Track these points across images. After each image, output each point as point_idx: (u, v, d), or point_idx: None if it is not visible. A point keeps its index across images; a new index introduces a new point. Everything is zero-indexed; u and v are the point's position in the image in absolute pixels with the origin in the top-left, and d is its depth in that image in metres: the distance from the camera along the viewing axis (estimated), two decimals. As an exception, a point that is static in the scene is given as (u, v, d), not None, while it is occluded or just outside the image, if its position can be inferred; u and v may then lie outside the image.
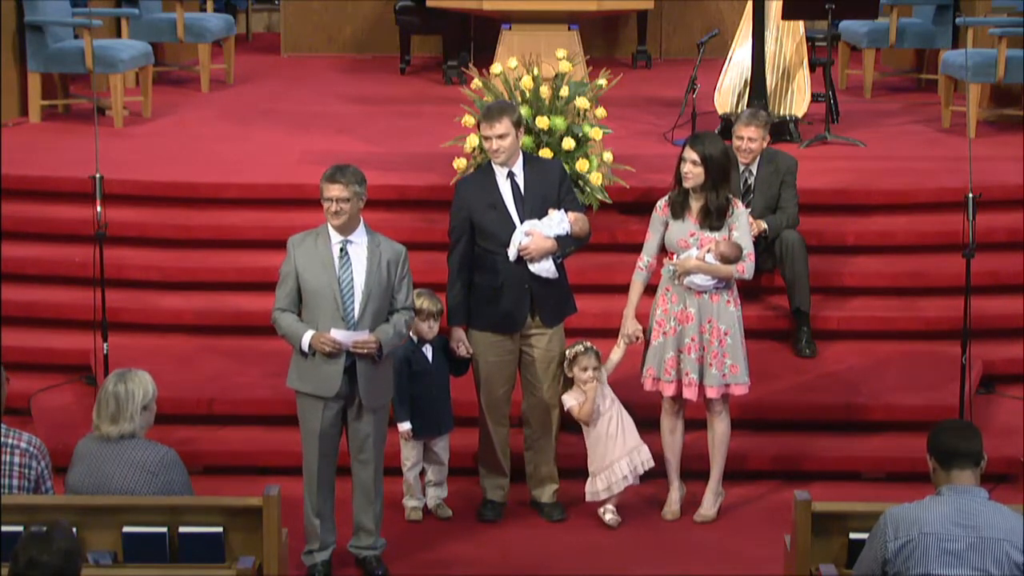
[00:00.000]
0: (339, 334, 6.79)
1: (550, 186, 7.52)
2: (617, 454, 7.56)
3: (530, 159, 7.60)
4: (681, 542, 7.51)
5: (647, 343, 7.61)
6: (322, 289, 6.83)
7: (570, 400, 7.57)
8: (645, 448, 7.63)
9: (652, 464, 7.63)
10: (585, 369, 7.51)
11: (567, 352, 7.57)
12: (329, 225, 6.90)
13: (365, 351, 6.83)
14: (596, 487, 7.60)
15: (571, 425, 7.72)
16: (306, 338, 6.83)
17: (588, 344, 7.59)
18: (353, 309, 6.85)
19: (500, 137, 7.38)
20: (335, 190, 6.83)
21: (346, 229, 6.88)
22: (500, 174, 7.49)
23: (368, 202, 6.98)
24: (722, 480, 7.74)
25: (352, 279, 6.86)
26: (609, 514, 7.64)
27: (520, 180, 7.49)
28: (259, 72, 13.91)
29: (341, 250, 6.88)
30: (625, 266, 8.46)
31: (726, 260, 7.42)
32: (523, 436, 7.76)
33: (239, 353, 8.83)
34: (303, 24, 14.79)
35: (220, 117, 11.94)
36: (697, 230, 7.48)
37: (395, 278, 6.94)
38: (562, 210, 7.47)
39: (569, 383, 7.60)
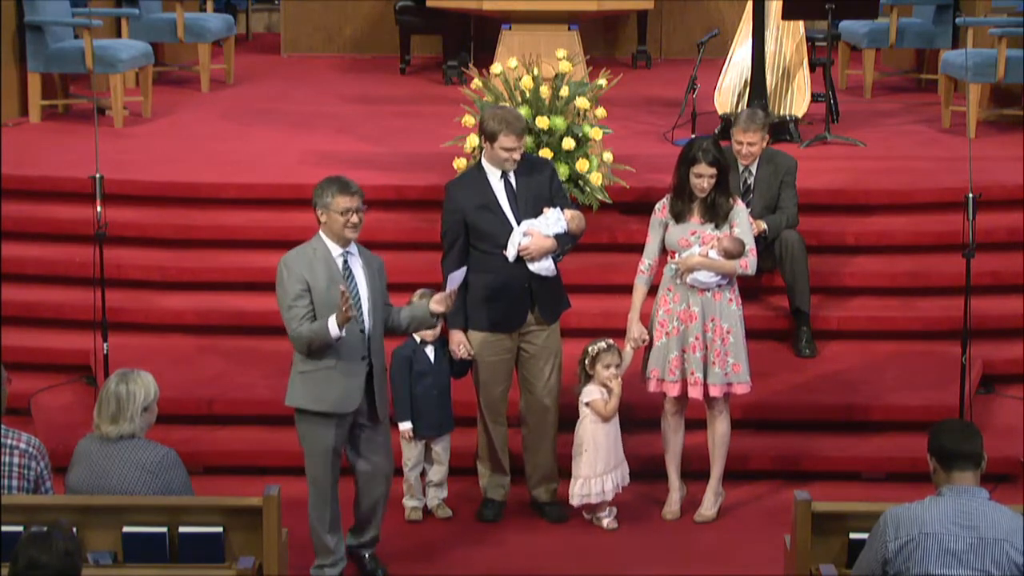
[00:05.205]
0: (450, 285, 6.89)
1: (542, 185, 7.52)
2: (612, 463, 7.53)
3: (520, 158, 7.58)
4: (681, 542, 7.51)
5: (650, 345, 7.61)
6: (335, 303, 6.62)
7: (595, 392, 7.51)
8: (627, 465, 7.63)
9: (628, 482, 7.63)
10: (608, 367, 7.49)
11: (589, 349, 7.55)
12: (325, 239, 6.75)
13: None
14: (588, 490, 7.54)
15: (570, 424, 7.72)
16: (331, 322, 6.58)
17: (610, 342, 7.56)
18: (364, 319, 6.77)
19: (518, 150, 7.40)
20: (355, 201, 6.70)
21: (351, 241, 6.80)
22: (493, 175, 7.48)
23: (368, 202, 6.95)
24: (722, 480, 7.74)
25: (358, 290, 6.78)
26: (607, 520, 7.63)
27: (513, 180, 7.49)
28: (259, 72, 13.91)
29: (344, 263, 6.78)
30: (625, 266, 8.47)
31: (730, 255, 7.43)
32: (522, 435, 7.76)
33: (239, 353, 8.83)
34: (303, 24, 14.79)
35: (220, 117, 11.94)
36: (698, 228, 7.49)
37: (384, 286, 6.93)
38: (558, 208, 7.47)
39: (588, 381, 7.57)
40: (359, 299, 6.75)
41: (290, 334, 6.76)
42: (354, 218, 6.72)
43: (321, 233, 6.78)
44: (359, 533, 7.13)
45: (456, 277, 6.92)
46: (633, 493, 7.72)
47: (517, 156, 7.42)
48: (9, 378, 6.49)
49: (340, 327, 6.60)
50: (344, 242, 6.76)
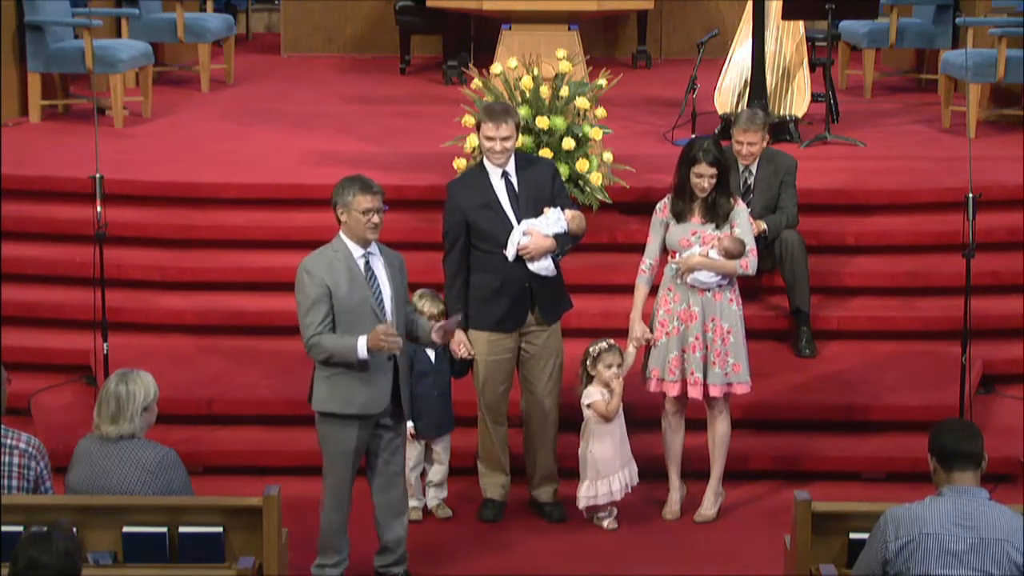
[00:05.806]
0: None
1: (543, 185, 7.51)
2: (619, 464, 7.53)
3: (520, 158, 7.57)
4: (681, 542, 7.51)
5: (650, 344, 7.62)
6: (357, 306, 6.59)
7: (596, 394, 7.49)
8: (635, 464, 7.62)
9: (637, 482, 7.63)
10: (609, 366, 7.47)
11: (590, 349, 7.53)
12: (346, 240, 6.70)
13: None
14: (595, 491, 7.55)
15: (571, 424, 7.72)
16: (361, 344, 6.53)
17: (611, 342, 7.54)
18: (388, 319, 6.66)
19: (504, 139, 7.37)
20: (376, 201, 6.67)
21: (372, 241, 6.74)
22: (494, 174, 7.48)
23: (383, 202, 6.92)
24: (722, 480, 7.74)
25: (380, 291, 6.71)
26: (607, 520, 7.63)
27: (514, 179, 7.48)
28: (259, 72, 13.90)
29: (366, 263, 6.72)
30: (625, 266, 8.47)
31: (730, 255, 7.43)
32: (522, 435, 7.76)
33: (239, 353, 8.83)
34: (303, 24, 14.78)
35: (220, 117, 11.93)
36: (699, 228, 7.49)
37: (405, 283, 6.88)
38: (558, 208, 7.47)
39: (589, 381, 7.56)
40: (382, 300, 6.69)
41: (306, 340, 6.64)
42: (375, 218, 6.67)
43: (342, 234, 6.73)
44: (386, 553, 7.02)
45: (452, 322, 6.90)
46: (633, 493, 7.72)
47: (500, 147, 7.37)
48: (9, 378, 6.48)
49: (368, 351, 6.54)
50: (365, 243, 6.71)
